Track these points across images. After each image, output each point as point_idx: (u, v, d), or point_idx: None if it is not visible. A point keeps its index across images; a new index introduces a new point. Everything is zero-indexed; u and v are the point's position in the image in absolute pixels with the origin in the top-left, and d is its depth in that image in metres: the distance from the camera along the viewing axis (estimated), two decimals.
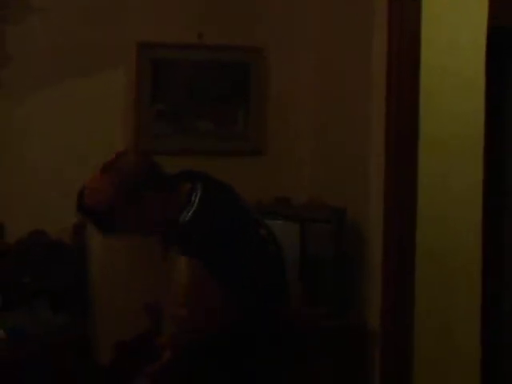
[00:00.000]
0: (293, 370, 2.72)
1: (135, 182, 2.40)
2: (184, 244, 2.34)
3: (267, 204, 3.67)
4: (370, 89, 3.39)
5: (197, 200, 2.42)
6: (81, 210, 2.48)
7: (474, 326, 3.60)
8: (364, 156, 3.48)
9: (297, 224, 3.41)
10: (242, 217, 2.50)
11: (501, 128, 4.27)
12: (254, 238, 2.49)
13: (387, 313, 3.37)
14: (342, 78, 3.63)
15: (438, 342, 3.52)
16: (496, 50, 3.67)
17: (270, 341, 2.48)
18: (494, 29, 3.56)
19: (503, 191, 4.28)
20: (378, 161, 3.39)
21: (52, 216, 3.39)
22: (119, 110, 3.54)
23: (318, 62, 3.77)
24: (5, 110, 3.41)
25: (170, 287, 2.36)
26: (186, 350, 2.38)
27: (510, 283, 4.32)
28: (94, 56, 3.48)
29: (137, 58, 3.52)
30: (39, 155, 3.45)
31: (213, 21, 3.65)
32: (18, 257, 3.35)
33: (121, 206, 2.36)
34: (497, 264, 4.12)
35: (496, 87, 3.92)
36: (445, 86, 3.44)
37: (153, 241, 2.54)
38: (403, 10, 3.15)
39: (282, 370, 2.59)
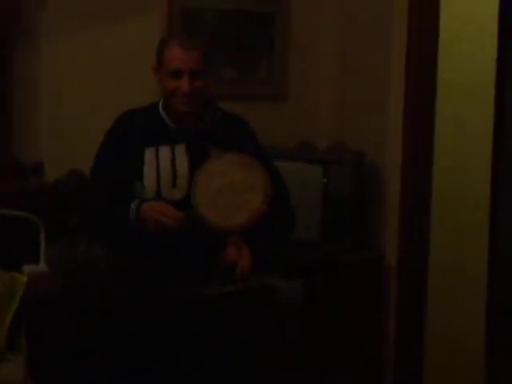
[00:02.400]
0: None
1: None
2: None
3: (291, 148, 3.85)
4: (390, 37, 3.54)
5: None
6: None
7: (482, 264, 3.80)
8: (383, 101, 3.64)
9: (319, 167, 3.58)
10: None
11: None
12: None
13: (403, 248, 3.56)
14: (364, 27, 3.77)
15: (450, 276, 3.73)
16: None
17: None
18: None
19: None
20: (396, 105, 3.55)
21: (88, 156, 3.57)
22: (150, 56, 3.70)
23: (341, 11, 3.91)
24: (43, 54, 3.54)
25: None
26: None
27: None
28: (128, 4, 3.64)
29: (168, 6, 3.68)
30: (77, 98, 3.59)
31: None
32: (57, 194, 3.52)
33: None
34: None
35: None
36: (461, 34, 3.60)
37: None
38: None
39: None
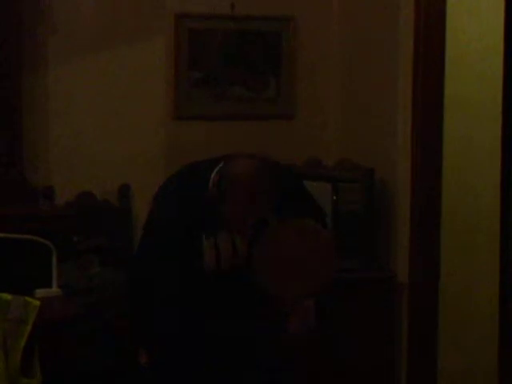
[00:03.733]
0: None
1: None
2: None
3: (299, 165, 3.86)
4: (396, 52, 3.55)
5: None
6: None
7: (493, 278, 3.79)
8: (391, 117, 3.64)
9: (328, 184, 3.56)
10: None
11: None
12: None
13: (415, 266, 3.56)
14: (369, 44, 3.77)
15: (461, 294, 3.72)
16: None
17: None
18: None
19: None
20: (404, 121, 3.56)
21: (99, 178, 3.60)
22: (158, 77, 3.73)
23: (348, 31, 3.92)
24: (52, 77, 3.59)
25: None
26: None
27: None
28: (136, 27, 3.68)
29: (175, 28, 3.70)
30: (84, 121, 3.63)
31: None
32: (68, 217, 3.54)
33: None
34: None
35: None
36: (468, 50, 3.61)
37: None
38: None
39: None
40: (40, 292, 3.02)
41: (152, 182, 3.66)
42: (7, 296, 2.68)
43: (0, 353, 2.61)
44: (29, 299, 2.82)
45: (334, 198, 3.54)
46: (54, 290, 3.18)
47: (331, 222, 3.51)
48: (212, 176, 2.51)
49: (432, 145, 3.50)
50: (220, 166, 2.50)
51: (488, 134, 3.74)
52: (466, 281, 3.74)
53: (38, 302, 2.80)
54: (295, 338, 2.60)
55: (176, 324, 2.54)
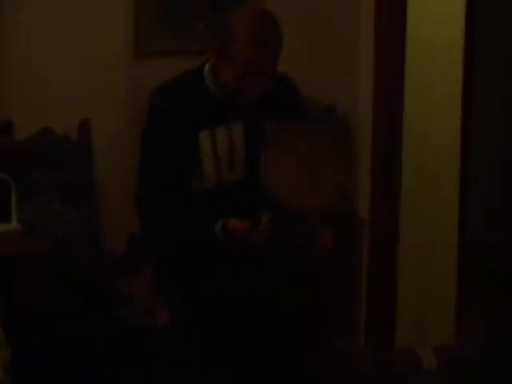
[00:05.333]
0: None
1: None
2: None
3: None
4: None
5: None
6: None
7: (452, 223, 3.86)
8: (353, 55, 3.65)
9: None
10: None
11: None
12: None
13: (375, 202, 3.61)
14: None
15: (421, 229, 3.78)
16: None
17: None
18: None
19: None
20: (367, 60, 3.57)
21: (58, 114, 3.55)
22: (120, 11, 3.66)
23: None
24: (12, 11, 3.50)
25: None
26: None
27: None
28: None
29: None
30: (45, 56, 3.56)
31: None
32: (27, 153, 3.50)
33: None
34: None
35: None
36: None
37: None
38: None
39: None
40: None
41: (113, 118, 3.67)
42: None
43: None
44: None
45: None
46: (13, 225, 3.17)
47: None
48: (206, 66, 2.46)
49: (394, 85, 3.52)
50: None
51: (449, 79, 3.76)
52: (426, 225, 3.80)
53: None
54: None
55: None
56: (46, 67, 3.56)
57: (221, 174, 2.45)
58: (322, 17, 3.79)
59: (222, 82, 2.43)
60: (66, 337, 3.06)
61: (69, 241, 3.33)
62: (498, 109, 4.77)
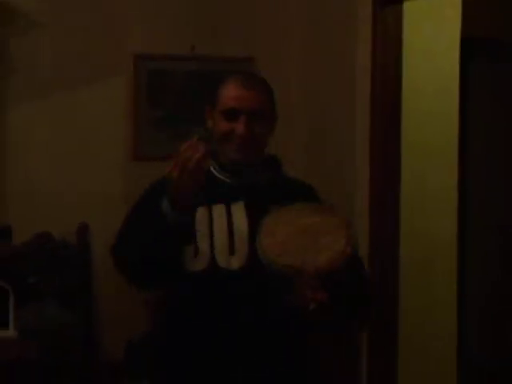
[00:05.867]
0: None
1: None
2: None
3: None
4: (354, 96, 3.59)
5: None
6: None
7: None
8: (350, 155, 3.68)
9: None
10: None
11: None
12: None
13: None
14: (328, 88, 3.81)
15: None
16: (467, 59, 3.92)
17: None
18: (466, 39, 3.81)
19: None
20: (363, 159, 3.60)
21: (57, 218, 3.57)
22: (118, 117, 3.73)
23: (306, 70, 3.96)
24: (10, 118, 3.58)
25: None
26: None
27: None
28: (94, 67, 3.69)
29: (134, 68, 3.72)
30: (43, 160, 3.62)
31: (204, 33, 3.85)
32: (25, 258, 3.51)
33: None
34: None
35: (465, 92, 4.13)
36: (424, 91, 3.68)
37: None
38: (386, 21, 3.38)
39: None
40: None
41: (111, 222, 3.66)
42: None
43: None
44: None
45: None
46: (10, 331, 3.16)
47: None
48: None
49: (390, 180, 3.54)
50: None
51: (444, 175, 3.80)
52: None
53: None
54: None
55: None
56: (45, 173, 3.61)
57: (215, 256, 2.31)
58: (320, 121, 3.88)
59: (223, 163, 2.41)
60: None
61: (65, 345, 3.30)
62: (492, 206, 4.81)
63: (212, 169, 2.42)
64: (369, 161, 3.53)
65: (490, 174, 4.77)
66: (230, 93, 2.38)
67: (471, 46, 4.11)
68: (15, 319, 3.24)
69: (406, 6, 3.41)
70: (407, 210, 3.60)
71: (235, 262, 2.31)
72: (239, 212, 2.36)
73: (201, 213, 2.33)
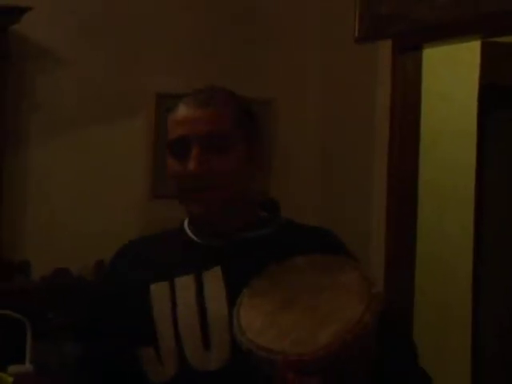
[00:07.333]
0: None
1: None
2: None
3: None
4: (373, 140, 3.62)
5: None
6: None
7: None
8: (365, 201, 3.69)
9: None
10: None
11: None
12: None
13: None
14: (347, 131, 3.85)
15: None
16: (487, 105, 3.94)
17: None
18: (485, 85, 3.85)
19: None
20: (379, 210, 3.61)
21: (74, 255, 3.60)
22: (137, 156, 3.78)
23: (324, 113, 4.00)
24: (33, 154, 3.63)
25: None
26: None
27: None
28: (116, 106, 3.75)
29: (155, 107, 3.77)
30: (63, 197, 3.67)
31: (224, 74, 3.90)
32: (43, 294, 3.53)
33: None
34: None
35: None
36: (442, 137, 3.71)
37: None
38: (406, 65, 3.42)
39: None
40: (13, 368, 3.01)
41: None
42: None
43: None
44: (1, 375, 2.81)
45: None
46: (27, 366, 3.17)
47: None
48: None
49: (406, 232, 3.54)
50: None
51: (460, 219, 3.81)
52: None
53: (10, 379, 2.79)
54: None
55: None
56: (64, 210, 3.65)
57: (184, 353, 1.60)
58: (335, 171, 3.88)
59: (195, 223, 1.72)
60: None
61: (81, 381, 3.31)
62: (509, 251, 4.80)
63: (186, 231, 1.74)
64: (385, 206, 3.55)
65: (507, 217, 4.78)
66: (178, 116, 1.68)
67: (494, 93, 4.14)
68: (32, 354, 3.25)
69: (425, 51, 3.46)
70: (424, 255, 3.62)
71: (213, 361, 1.59)
72: (214, 283, 1.62)
73: (158, 291, 1.64)
